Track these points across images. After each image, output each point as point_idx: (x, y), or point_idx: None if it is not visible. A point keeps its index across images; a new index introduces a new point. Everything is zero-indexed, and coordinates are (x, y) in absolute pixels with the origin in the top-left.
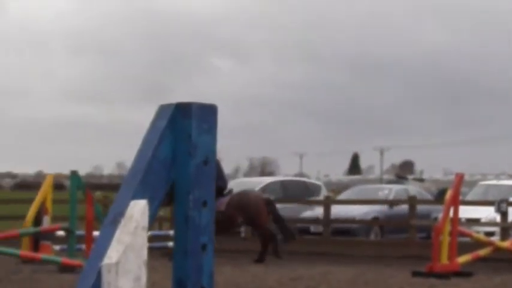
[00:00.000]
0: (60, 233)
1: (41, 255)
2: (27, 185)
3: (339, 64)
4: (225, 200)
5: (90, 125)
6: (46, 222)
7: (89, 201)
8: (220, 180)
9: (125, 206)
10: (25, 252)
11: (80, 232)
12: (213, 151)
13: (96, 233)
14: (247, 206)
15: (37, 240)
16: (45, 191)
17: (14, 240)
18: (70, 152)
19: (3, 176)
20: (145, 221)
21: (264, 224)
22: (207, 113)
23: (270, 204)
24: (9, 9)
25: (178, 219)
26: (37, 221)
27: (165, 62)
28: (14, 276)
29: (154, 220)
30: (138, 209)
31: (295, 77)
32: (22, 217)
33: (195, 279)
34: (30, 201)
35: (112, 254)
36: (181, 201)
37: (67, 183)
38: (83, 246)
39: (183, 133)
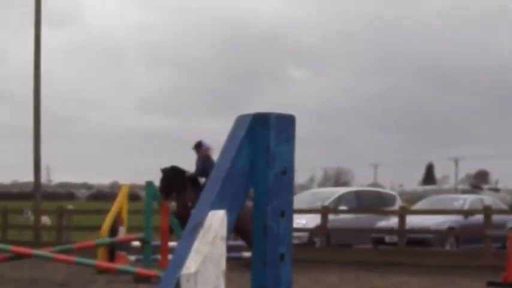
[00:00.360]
0: (136, 243)
1: (117, 266)
2: (103, 196)
3: (413, 74)
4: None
5: (164, 136)
6: (122, 233)
7: (164, 212)
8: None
9: (204, 216)
10: (101, 262)
11: (156, 242)
12: (291, 161)
13: (171, 244)
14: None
15: (113, 251)
16: (120, 201)
17: (90, 251)
18: (145, 162)
19: (79, 187)
20: (223, 231)
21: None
22: (285, 123)
23: None
24: (87, 21)
25: (256, 230)
26: (113, 231)
27: (240, 73)
28: (89, 286)
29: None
30: (217, 219)
31: (370, 87)
32: (98, 227)
33: None
34: (105, 211)
35: (191, 264)
36: (260, 211)
37: (142, 193)
38: (159, 257)
39: (261, 143)
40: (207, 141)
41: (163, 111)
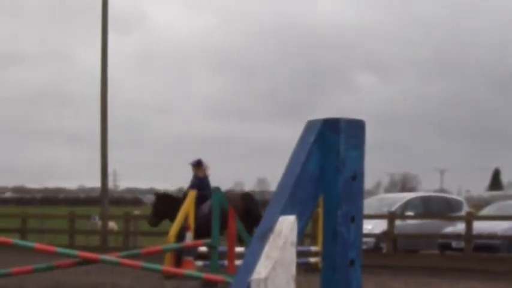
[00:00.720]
0: (203, 248)
1: (184, 271)
2: None
3: (480, 80)
4: (208, 203)
5: (231, 141)
6: (189, 238)
7: (231, 217)
8: (205, 190)
9: (274, 221)
10: (168, 267)
11: (223, 248)
12: (361, 167)
13: (238, 249)
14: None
15: (180, 256)
16: (187, 207)
17: (157, 256)
18: (211, 168)
19: (145, 193)
20: (294, 236)
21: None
22: (355, 129)
23: (246, 199)
24: (153, 26)
25: (326, 235)
26: (180, 236)
27: (305, 79)
28: None
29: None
30: (287, 225)
31: (437, 93)
32: (164, 233)
33: None
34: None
35: (261, 270)
36: (330, 216)
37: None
38: (226, 262)
39: (331, 148)
40: (205, 161)
41: (228, 117)
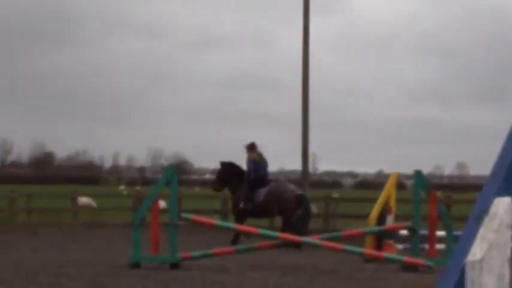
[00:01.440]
0: (403, 232)
1: (384, 254)
2: (368, 185)
3: None
4: (264, 191)
5: (431, 125)
6: (389, 221)
7: (432, 201)
8: (261, 170)
9: (489, 203)
10: (369, 250)
11: (423, 231)
12: None
13: (439, 233)
14: (280, 199)
15: (380, 239)
16: (388, 190)
17: (356, 239)
18: (410, 152)
19: (344, 175)
20: (509, 218)
21: (288, 218)
22: None
23: (301, 200)
24: (355, 10)
25: None
26: (380, 219)
27: (508, 61)
28: (357, 274)
29: None
30: (503, 207)
31: None
32: (363, 216)
33: None
34: (371, 200)
35: (476, 251)
36: None
37: (408, 183)
38: (426, 246)
39: None
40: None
41: (431, 101)
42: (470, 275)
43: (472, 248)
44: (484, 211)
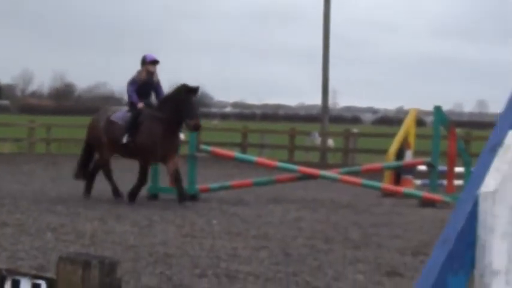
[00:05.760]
0: (422, 167)
1: (403, 189)
2: (388, 120)
3: None
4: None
5: (454, 62)
6: (409, 157)
7: (451, 137)
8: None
9: (503, 135)
10: (387, 185)
11: (442, 167)
12: None
13: (458, 169)
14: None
15: (399, 175)
16: (408, 125)
17: (374, 174)
18: (431, 88)
19: (364, 111)
20: None
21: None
22: None
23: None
24: None
25: None
26: (399, 155)
27: None
28: (374, 208)
29: None
30: None
31: None
32: (383, 151)
33: None
34: (391, 135)
35: (489, 183)
36: None
37: (427, 119)
38: (444, 182)
39: None
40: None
41: (454, 37)
42: (483, 206)
43: (485, 179)
44: (498, 143)
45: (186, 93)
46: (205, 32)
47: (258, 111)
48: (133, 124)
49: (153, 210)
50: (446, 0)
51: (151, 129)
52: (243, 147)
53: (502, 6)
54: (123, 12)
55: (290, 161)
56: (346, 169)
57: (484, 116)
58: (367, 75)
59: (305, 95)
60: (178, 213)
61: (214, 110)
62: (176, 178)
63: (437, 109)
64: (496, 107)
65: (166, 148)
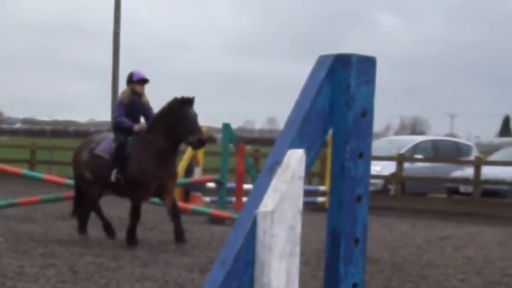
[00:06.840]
0: (211, 184)
1: (191, 206)
2: None
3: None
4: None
5: (246, 79)
6: (197, 174)
7: (240, 154)
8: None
9: (282, 155)
10: (180, 203)
11: (231, 184)
12: (371, 103)
13: (246, 186)
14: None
15: (188, 192)
16: None
17: None
18: (224, 105)
19: None
20: (301, 170)
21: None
22: (367, 65)
23: None
24: None
25: (334, 170)
26: (188, 172)
27: (327, 18)
28: (163, 226)
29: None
30: (295, 158)
31: (458, 38)
32: None
33: (349, 231)
34: (181, 152)
35: (268, 202)
36: (338, 151)
37: (218, 136)
38: (233, 199)
39: (342, 84)
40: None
41: (246, 55)
42: (261, 225)
43: (264, 199)
44: (276, 162)
45: (180, 106)
46: None
47: (48, 128)
48: (120, 156)
49: None
50: (238, 19)
51: (142, 158)
52: (31, 164)
53: (291, 25)
54: None
55: None
56: None
57: (274, 132)
58: (155, 93)
59: (96, 111)
60: None
61: (3, 126)
62: (175, 214)
63: (226, 126)
64: None
65: (162, 177)
